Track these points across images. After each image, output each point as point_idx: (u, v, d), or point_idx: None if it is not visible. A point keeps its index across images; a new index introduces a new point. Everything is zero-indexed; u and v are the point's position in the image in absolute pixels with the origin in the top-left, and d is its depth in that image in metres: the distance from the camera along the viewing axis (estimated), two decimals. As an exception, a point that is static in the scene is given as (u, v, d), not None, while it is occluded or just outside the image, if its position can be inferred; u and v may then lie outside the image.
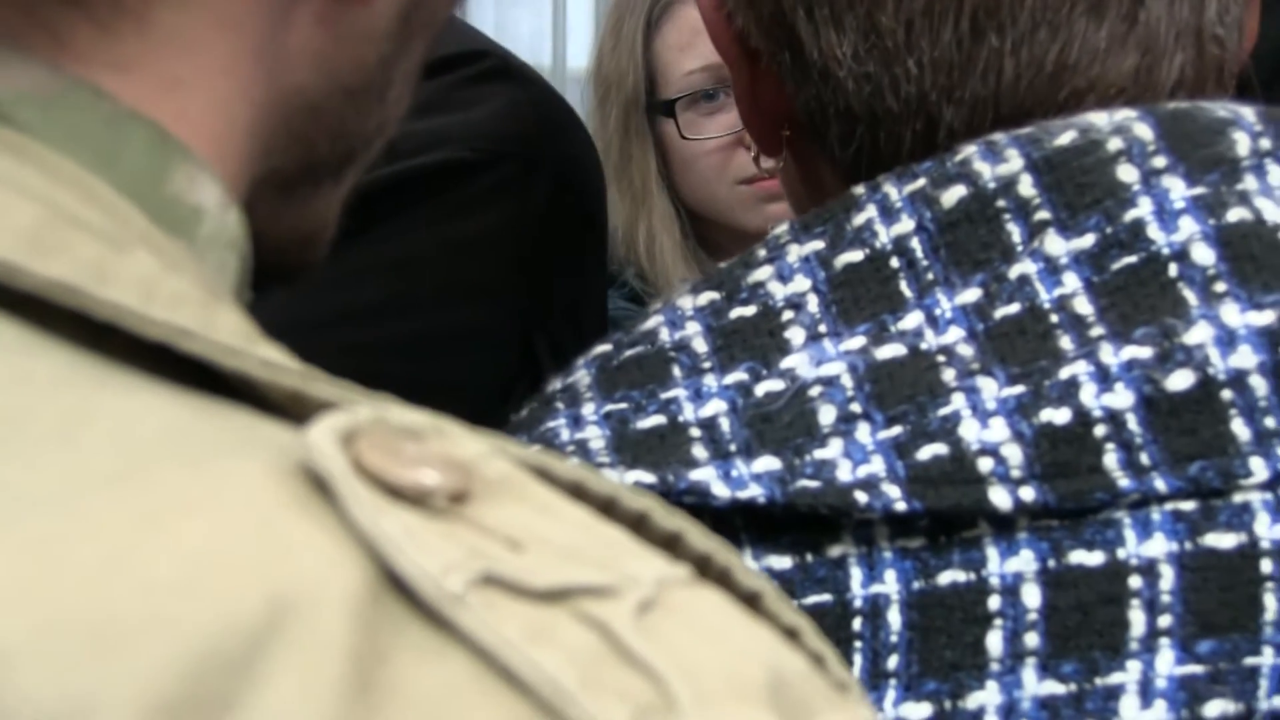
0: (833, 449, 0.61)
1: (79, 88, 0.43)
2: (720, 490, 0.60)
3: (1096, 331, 0.62)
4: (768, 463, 0.61)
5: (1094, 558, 0.61)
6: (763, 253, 0.68)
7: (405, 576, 0.33)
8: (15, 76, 0.43)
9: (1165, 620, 0.61)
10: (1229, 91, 0.73)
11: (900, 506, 0.60)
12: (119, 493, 0.34)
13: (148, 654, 0.31)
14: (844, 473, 0.61)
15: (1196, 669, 0.61)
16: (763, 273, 0.67)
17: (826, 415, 0.62)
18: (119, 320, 0.38)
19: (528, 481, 0.38)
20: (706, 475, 0.61)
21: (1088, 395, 0.61)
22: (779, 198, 1.78)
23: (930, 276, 0.64)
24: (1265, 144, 0.65)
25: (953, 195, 0.65)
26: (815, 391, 0.63)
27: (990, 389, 0.62)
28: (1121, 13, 0.69)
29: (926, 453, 0.61)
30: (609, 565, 0.36)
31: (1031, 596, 0.61)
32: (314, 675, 0.31)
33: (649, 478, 0.61)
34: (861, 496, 0.60)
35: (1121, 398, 0.61)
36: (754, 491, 0.60)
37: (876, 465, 0.61)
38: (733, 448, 0.62)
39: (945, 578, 0.61)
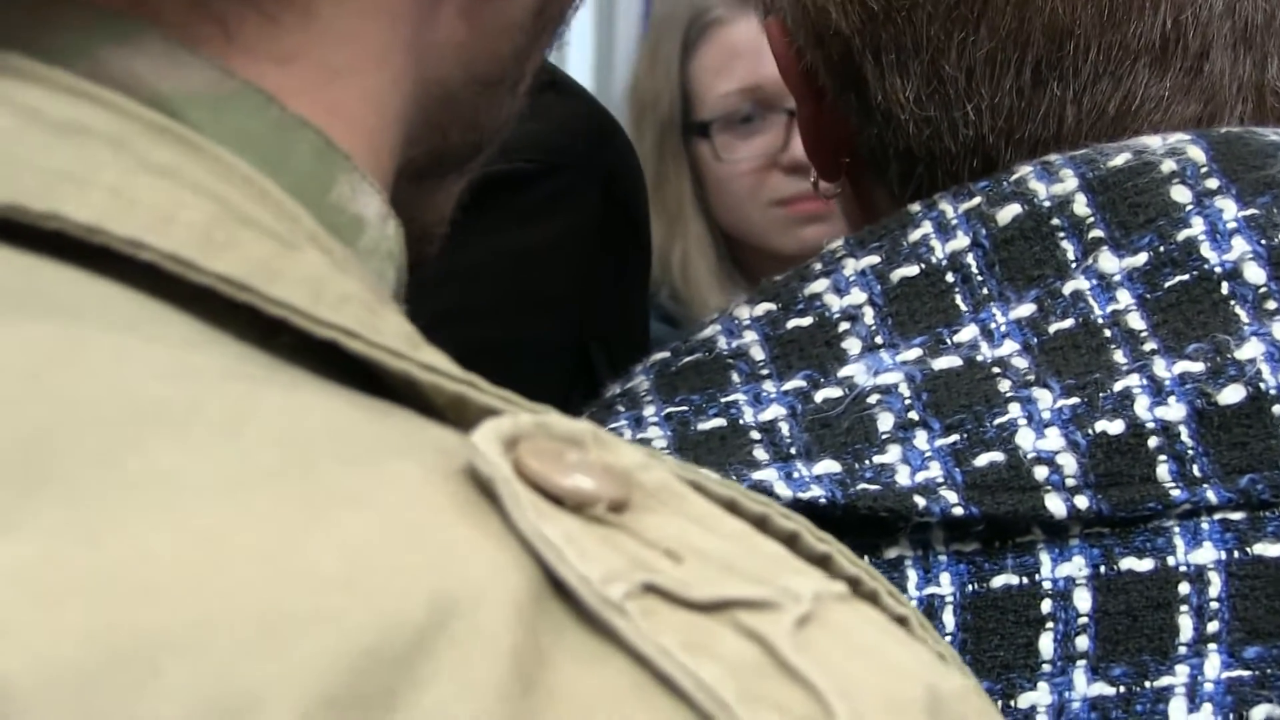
0: (891, 455, 0.62)
1: (249, 91, 0.43)
2: (783, 490, 0.61)
3: (1149, 346, 0.63)
4: (828, 466, 0.62)
5: (1144, 564, 0.62)
6: (818, 266, 0.69)
7: (567, 582, 0.33)
8: (188, 76, 0.42)
9: (1213, 626, 0.62)
10: None
11: (958, 511, 0.61)
12: (283, 486, 0.33)
13: (311, 649, 0.30)
14: (903, 477, 0.62)
15: (1243, 673, 0.62)
16: (819, 285, 0.68)
17: (885, 422, 0.63)
18: (287, 317, 0.38)
19: (686, 492, 0.37)
20: (769, 476, 0.62)
21: (1141, 407, 0.62)
22: (814, 220, 1.78)
23: (985, 291, 0.65)
24: None
25: (1008, 213, 0.66)
26: (873, 399, 0.64)
27: (1046, 399, 0.63)
28: (1185, 66, 0.70)
29: (984, 460, 0.62)
30: (767, 579, 0.35)
31: (1083, 601, 0.62)
32: (476, 675, 0.31)
33: (712, 477, 0.62)
34: (920, 501, 0.61)
35: (1174, 410, 0.62)
36: (815, 493, 0.61)
37: (934, 471, 0.62)
38: (793, 450, 0.63)
39: (999, 581, 0.62)
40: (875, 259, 0.68)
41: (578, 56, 3.39)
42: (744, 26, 1.81)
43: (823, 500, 0.61)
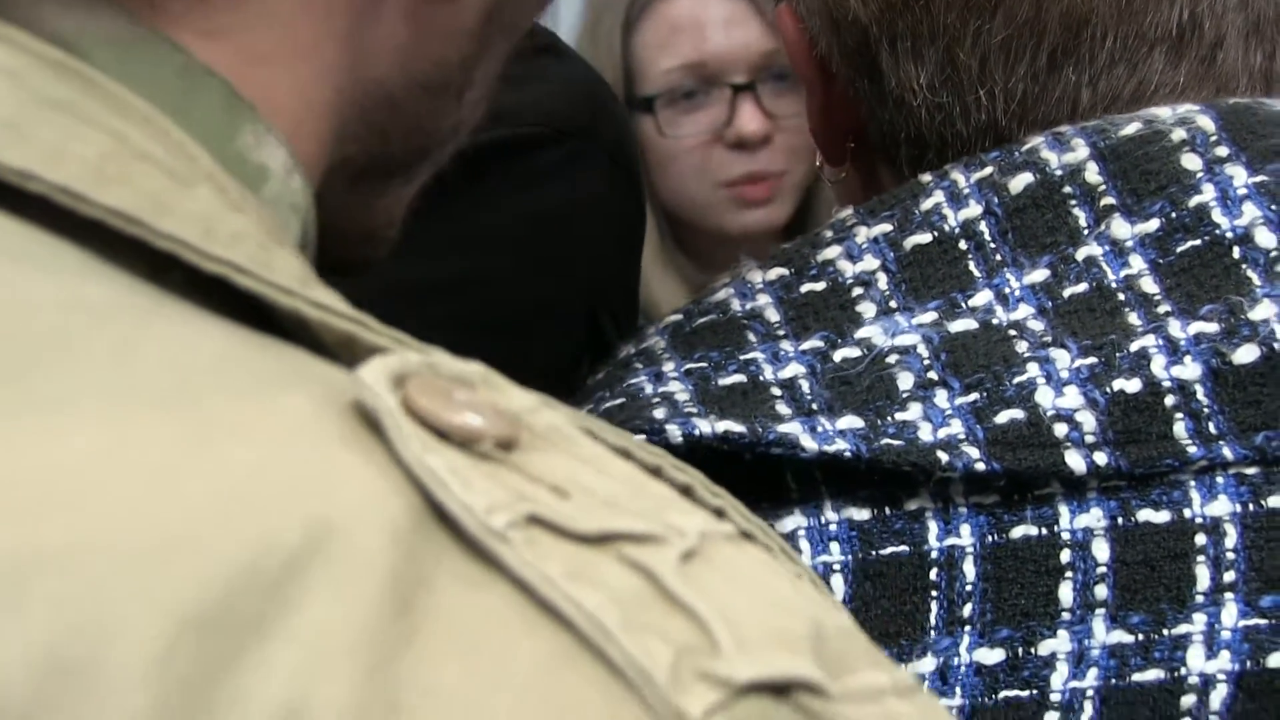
0: (913, 412, 0.63)
1: (156, 38, 0.43)
2: (809, 443, 0.62)
3: (1164, 309, 0.64)
4: (851, 421, 0.63)
5: (1161, 516, 0.63)
6: (829, 234, 0.70)
7: (450, 511, 0.33)
8: (95, 21, 0.42)
9: (1229, 576, 0.63)
10: None
11: (980, 467, 0.62)
12: (167, 415, 0.33)
13: (180, 572, 0.31)
14: (925, 434, 0.63)
15: (1260, 621, 0.63)
16: (831, 252, 0.69)
17: (905, 381, 0.64)
18: (176, 251, 0.38)
19: (576, 435, 0.37)
20: (794, 429, 0.63)
21: (1158, 366, 0.63)
22: (760, 204, 1.78)
23: (999, 258, 0.67)
24: None
25: (1020, 182, 0.67)
26: (893, 359, 0.65)
27: (1063, 359, 0.64)
28: (1200, 55, 0.71)
29: (1004, 417, 0.63)
30: (653, 516, 0.35)
31: (1101, 551, 0.63)
32: (351, 594, 0.31)
33: (738, 427, 0.62)
34: (943, 456, 0.62)
35: (1190, 369, 0.63)
36: (840, 446, 0.62)
37: (956, 428, 0.63)
38: (814, 406, 0.64)
39: (1018, 532, 0.63)
40: (887, 227, 0.69)
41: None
42: (686, 2, 1.80)
43: (848, 453, 0.62)
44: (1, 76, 0.40)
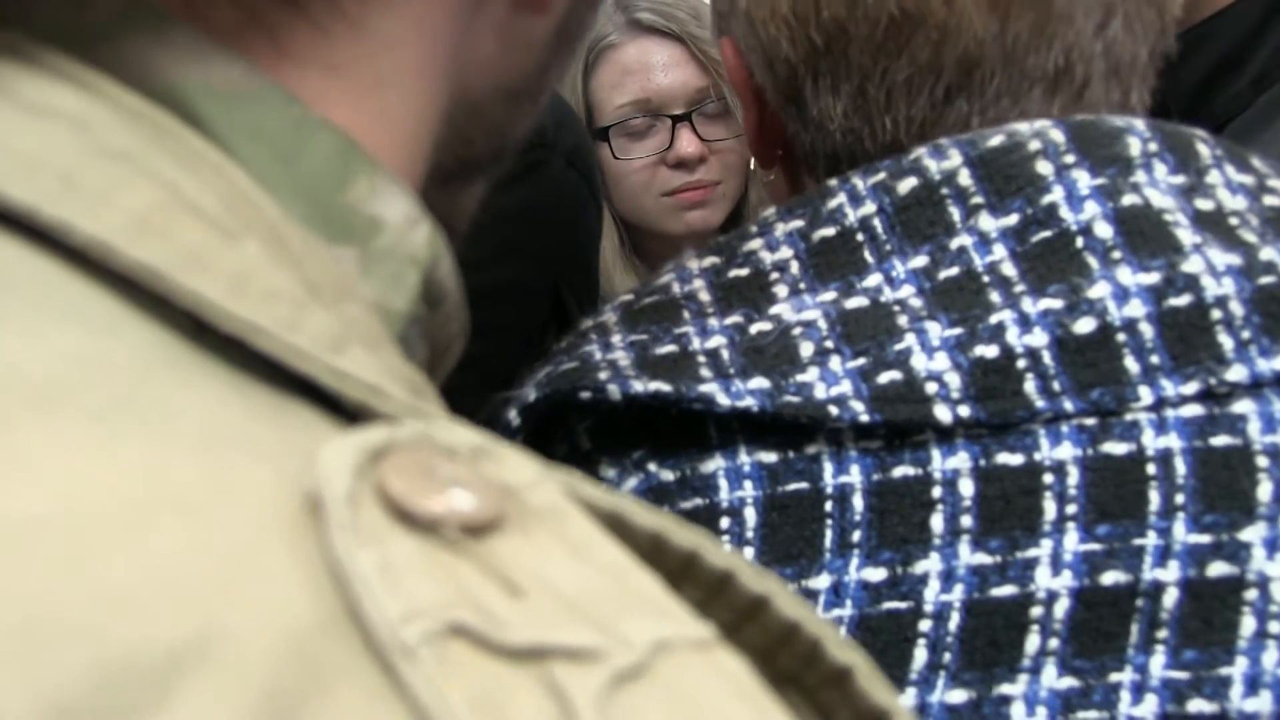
0: (811, 374, 0.65)
1: (273, 90, 0.38)
2: (723, 400, 0.64)
3: (1019, 289, 0.66)
4: (759, 382, 0.65)
5: (1016, 459, 0.65)
6: (754, 229, 0.71)
7: (365, 618, 0.27)
8: (209, 72, 0.37)
9: (1071, 509, 0.64)
10: None
11: (864, 418, 0.64)
12: (122, 482, 0.28)
13: (60, 659, 0.25)
14: (820, 392, 0.64)
15: (1096, 546, 0.64)
16: (755, 243, 0.71)
17: (806, 349, 0.66)
18: (197, 310, 0.33)
19: (573, 514, 0.31)
20: (712, 389, 0.64)
21: (1012, 336, 0.65)
22: (696, 206, 1.84)
23: (888, 247, 0.68)
24: (1152, 146, 0.70)
25: (906, 185, 0.69)
26: (797, 331, 0.66)
27: (935, 330, 0.65)
28: (1072, 92, 0.73)
29: (885, 378, 0.65)
30: (606, 623, 0.29)
31: (966, 487, 0.64)
32: (219, 705, 0.26)
33: (667, 387, 0.64)
34: (834, 410, 0.64)
35: (1038, 338, 0.65)
36: (749, 402, 0.64)
37: (845, 387, 0.64)
38: (731, 371, 0.65)
39: (898, 472, 0.65)
40: (800, 223, 0.70)
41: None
42: (633, 49, 1.85)
43: (755, 408, 0.64)
44: (70, 126, 0.35)
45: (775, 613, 0.35)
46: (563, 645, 0.28)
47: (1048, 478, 0.65)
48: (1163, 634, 0.65)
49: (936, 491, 0.65)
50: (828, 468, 0.65)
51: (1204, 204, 0.69)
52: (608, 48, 1.86)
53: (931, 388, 0.65)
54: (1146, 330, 0.65)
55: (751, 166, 1.77)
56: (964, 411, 0.64)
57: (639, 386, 0.64)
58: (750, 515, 0.65)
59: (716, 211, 1.86)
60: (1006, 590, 0.64)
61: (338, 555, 0.28)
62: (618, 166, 1.86)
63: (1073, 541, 0.65)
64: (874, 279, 0.68)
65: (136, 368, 0.31)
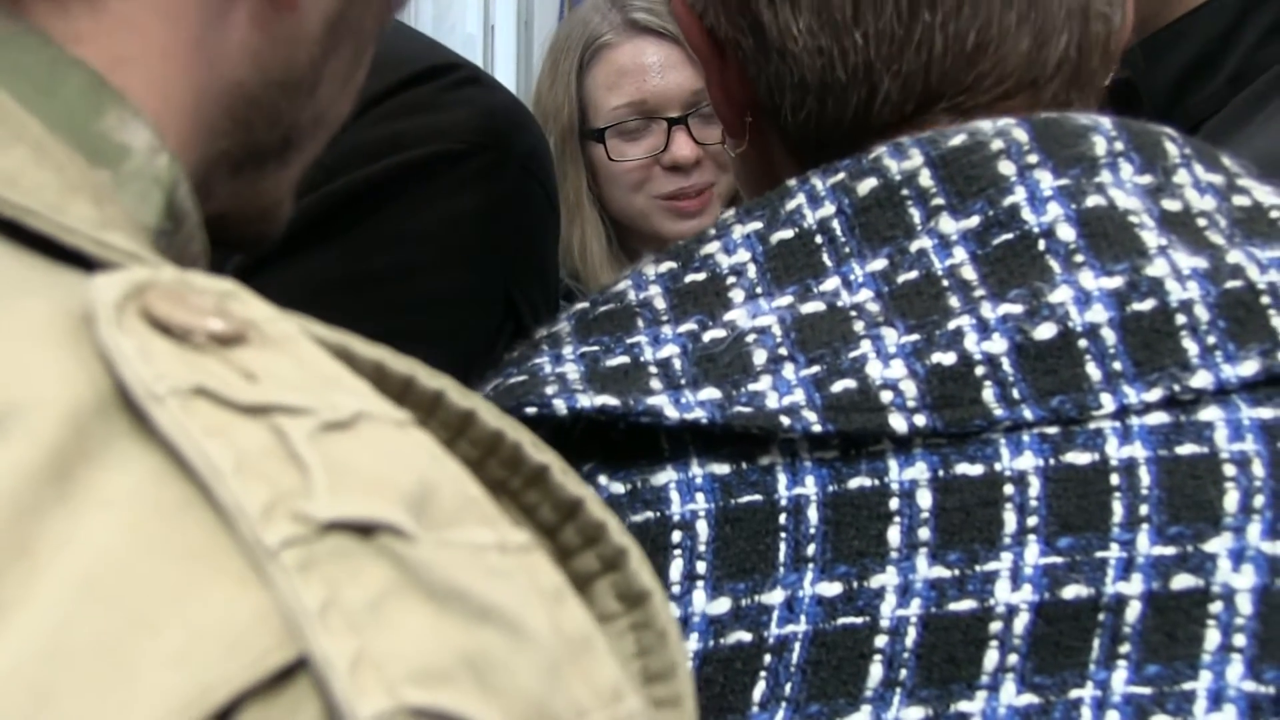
0: (763, 383, 0.63)
1: (31, 32, 0.43)
2: (672, 413, 0.62)
3: (979, 293, 0.64)
4: (710, 393, 0.63)
5: (975, 469, 0.63)
6: (712, 232, 0.69)
7: (124, 382, 0.34)
8: None
9: (1032, 520, 0.63)
10: (1114, 64, 0.74)
11: (817, 428, 0.62)
12: None
13: None
14: (772, 401, 0.63)
15: (1057, 559, 0.63)
16: (712, 246, 0.69)
17: (759, 357, 0.64)
18: None
19: (302, 340, 0.37)
20: (660, 401, 0.63)
21: (970, 342, 0.63)
22: (692, 216, 1.83)
23: (847, 250, 0.66)
24: (1118, 146, 0.68)
25: (866, 185, 0.67)
26: (751, 338, 0.65)
27: (892, 337, 0.64)
28: None
29: (839, 386, 0.63)
30: (320, 396, 0.35)
31: (924, 499, 0.63)
32: (14, 461, 0.32)
33: (614, 401, 0.62)
34: (786, 420, 0.62)
35: (998, 344, 0.63)
36: (699, 414, 0.62)
37: (799, 396, 0.63)
38: (682, 381, 0.64)
39: (854, 483, 0.63)
40: (758, 224, 0.69)
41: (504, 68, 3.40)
42: (629, 50, 1.85)
43: (705, 420, 0.62)
44: None
45: (482, 424, 0.40)
46: (284, 404, 0.35)
47: (1008, 489, 0.63)
48: (1125, 648, 0.63)
49: (894, 503, 0.63)
50: (781, 479, 0.63)
51: (1171, 205, 0.67)
52: (603, 47, 1.86)
53: (886, 396, 0.63)
54: (1109, 336, 0.64)
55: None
56: (920, 420, 0.63)
57: (585, 401, 0.63)
58: (702, 529, 0.63)
59: (711, 216, 1.85)
60: (965, 605, 0.63)
61: (104, 342, 0.34)
62: (611, 166, 1.85)
63: (1033, 554, 0.63)
64: (832, 283, 0.66)
65: None
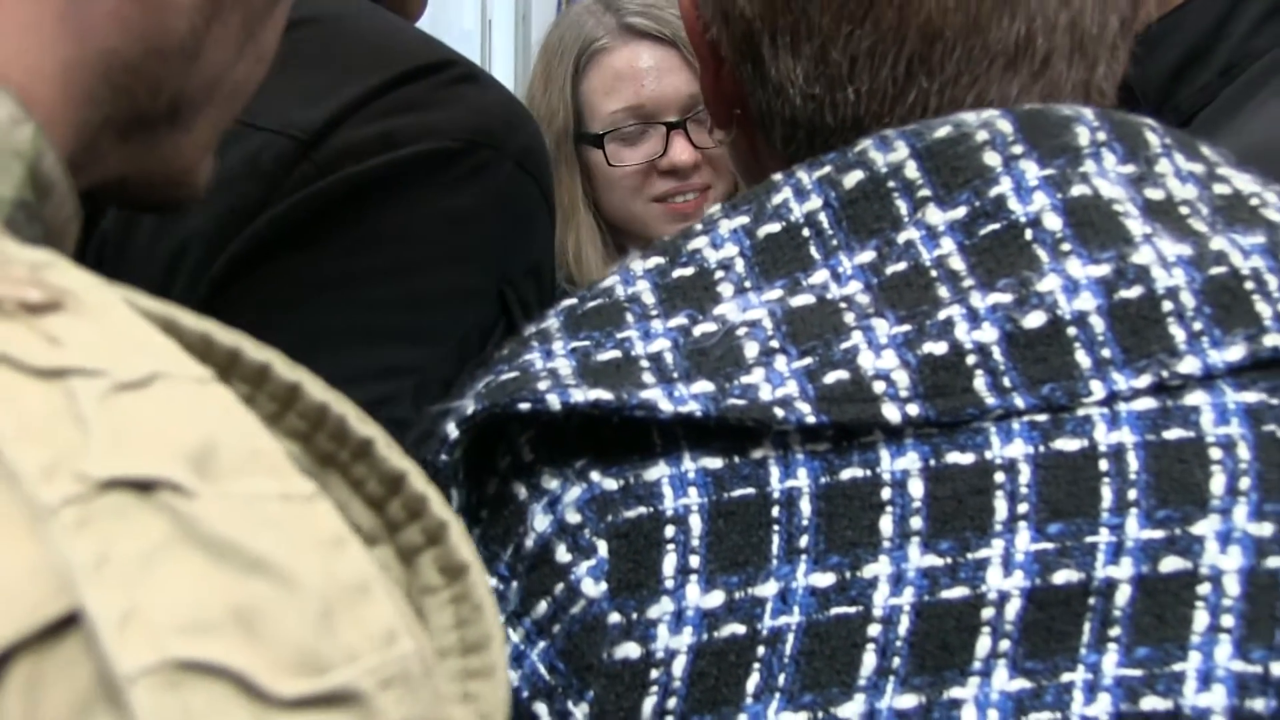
0: (756, 375, 0.63)
1: None
2: (666, 406, 0.62)
3: (968, 283, 0.64)
4: (703, 386, 0.63)
5: (966, 458, 0.63)
6: (699, 227, 0.70)
7: None
8: None
9: (1023, 507, 0.63)
10: None
11: (810, 420, 0.62)
12: None
13: None
14: (765, 394, 0.63)
15: (1048, 545, 0.63)
16: (699, 242, 0.69)
17: (751, 350, 0.64)
18: None
19: (119, 307, 0.38)
20: (654, 395, 0.62)
21: (961, 332, 0.64)
22: (685, 219, 1.83)
23: (834, 242, 0.67)
24: (1101, 136, 0.68)
25: (852, 178, 0.68)
26: (742, 332, 0.65)
27: (883, 328, 0.64)
28: (1032, 70, 0.71)
29: (831, 378, 0.63)
30: (118, 358, 0.36)
31: (916, 488, 0.63)
32: None
33: (607, 395, 0.62)
34: (779, 412, 0.62)
35: (988, 334, 0.63)
36: (692, 407, 0.62)
37: (791, 388, 0.63)
38: (675, 375, 0.64)
39: (846, 474, 0.63)
40: (745, 219, 0.69)
41: (502, 73, 3.41)
42: (625, 54, 1.85)
43: (699, 413, 0.62)
44: None
45: (308, 397, 0.41)
46: (78, 366, 0.35)
47: (999, 476, 0.64)
48: (1115, 631, 0.63)
49: (886, 493, 0.63)
50: (774, 472, 0.63)
51: (1154, 193, 0.68)
52: (599, 52, 1.85)
53: (879, 386, 0.63)
54: (1097, 323, 0.64)
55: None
56: (913, 410, 0.63)
57: (579, 396, 0.63)
58: (696, 523, 0.63)
59: None
60: (957, 592, 0.63)
61: None
62: (608, 171, 1.85)
63: (1024, 541, 0.63)
64: (820, 275, 0.66)
65: None
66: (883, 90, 0.71)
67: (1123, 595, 0.63)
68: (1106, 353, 0.64)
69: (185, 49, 0.54)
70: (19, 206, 0.46)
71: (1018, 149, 0.67)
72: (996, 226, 0.66)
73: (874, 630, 0.63)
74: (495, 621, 0.42)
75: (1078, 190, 0.66)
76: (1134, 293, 0.64)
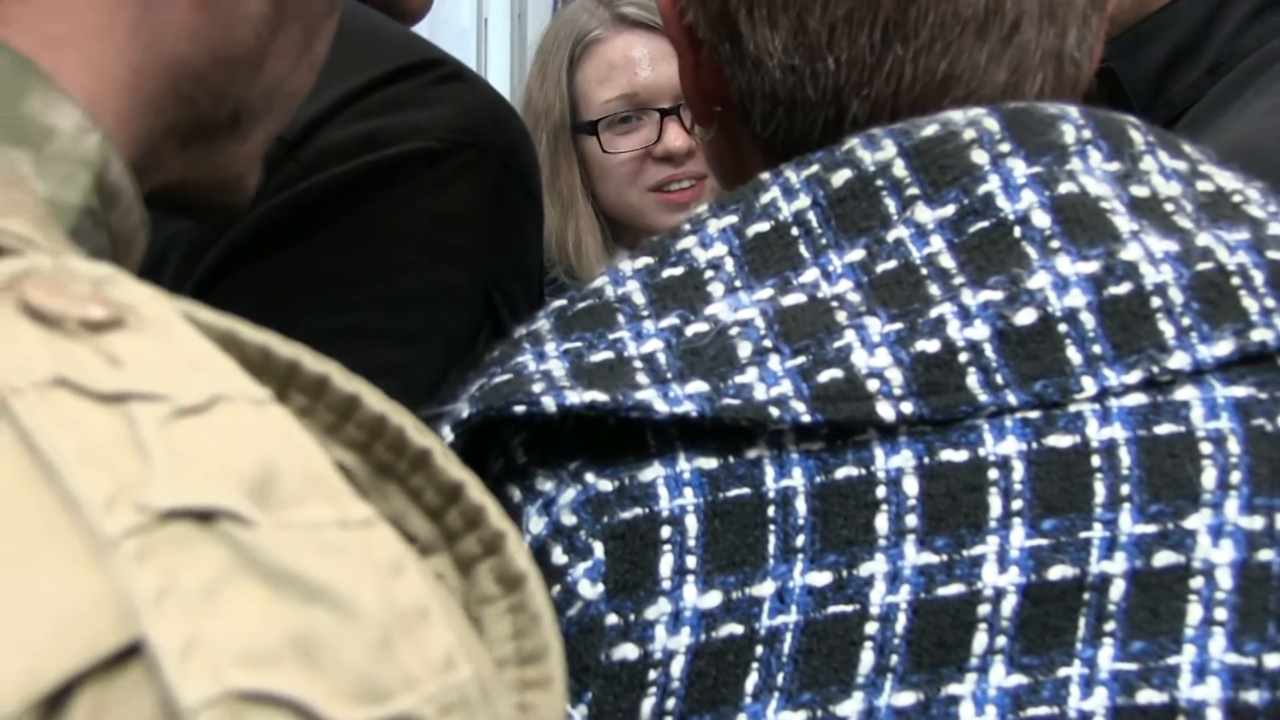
0: (750, 375, 0.63)
1: None
2: (661, 406, 0.62)
3: (958, 280, 0.65)
4: (698, 386, 0.63)
5: (960, 455, 0.64)
6: (687, 227, 0.70)
7: None
8: None
9: (1017, 504, 0.63)
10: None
11: (805, 419, 0.62)
12: None
13: None
14: (760, 393, 0.63)
15: (1042, 541, 0.63)
16: (688, 241, 0.69)
17: (744, 349, 0.64)
18: None
19: (178, 322, 0.38)
20: (649, 395, 0.62)
21: (953, 329, 0.64)
22: (682, 208, 1.83)
23: (824, 241, 0.67)
24: (1086, 134, 0.68)
25: (840, 177, 0.68)
26: (734, 331, 0.65)
27: (875, 326, 0.64)
28: (1001, 35, 0.71)
29: (825, 376, 0.63)
30: (179, 381, 0.36)
31: (911, 486, 0.63)
32: None
33: (603, 396, 0.62)
34: (774, 411, 0.62)
35: (980, 331, 0.64)
36: (687, 407, 0.62)
37: (786, 387, 0.63)
38: (669, 375, 0.64)
39: (841, 473, 0.63)
40: (734, 218, 0.69)
41: (498, 70, 3.41)
42: (618, 44, 1.85)
43: (694, 413, 0.62)
44: None
45: (366, 408, 0.41)
46: (139, 391, 0.35)
47: (993, 473, 0.64)
48: (1110, 626, 0.64)
49: (881, 491, 0.63)
50: (769, 472, 0.64)
51: (1139, 191, 0.68)
52: (593, 43, 1.86)
53: (873, 385, 0.63)
54: (1088, 320, 0.64)
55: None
56: (907, 408, 0.63)
57: (574, 398, 0.63)
58: (691, 524, 0.63)
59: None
60: (953, 589, 0.63)
61: None
62: (603, 160, 1.86)
63: (1019, 537, 0.63)
64: (811, 274, 0.66)
65: None
66: (861, 59, 0.71)
67: (1117, 590, 0.64)
68: (1097, 349, 0.64)
69: (251, 59, 0.55)
70: (85, 214, 0.46)
71: (1005, 147, 0.67)
72: (985, 224, 0.66)
73: (871, 628, 0.63)
74: (553, 632, 0.42)
75: (1065, 188, 0.66)
76: (1123, 289, 0.65)
